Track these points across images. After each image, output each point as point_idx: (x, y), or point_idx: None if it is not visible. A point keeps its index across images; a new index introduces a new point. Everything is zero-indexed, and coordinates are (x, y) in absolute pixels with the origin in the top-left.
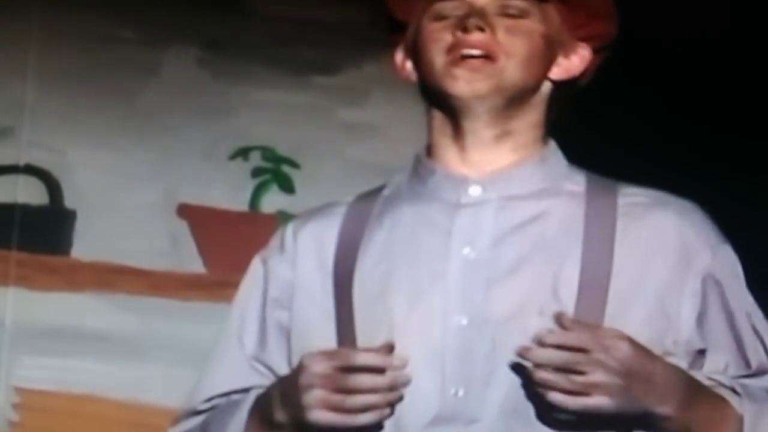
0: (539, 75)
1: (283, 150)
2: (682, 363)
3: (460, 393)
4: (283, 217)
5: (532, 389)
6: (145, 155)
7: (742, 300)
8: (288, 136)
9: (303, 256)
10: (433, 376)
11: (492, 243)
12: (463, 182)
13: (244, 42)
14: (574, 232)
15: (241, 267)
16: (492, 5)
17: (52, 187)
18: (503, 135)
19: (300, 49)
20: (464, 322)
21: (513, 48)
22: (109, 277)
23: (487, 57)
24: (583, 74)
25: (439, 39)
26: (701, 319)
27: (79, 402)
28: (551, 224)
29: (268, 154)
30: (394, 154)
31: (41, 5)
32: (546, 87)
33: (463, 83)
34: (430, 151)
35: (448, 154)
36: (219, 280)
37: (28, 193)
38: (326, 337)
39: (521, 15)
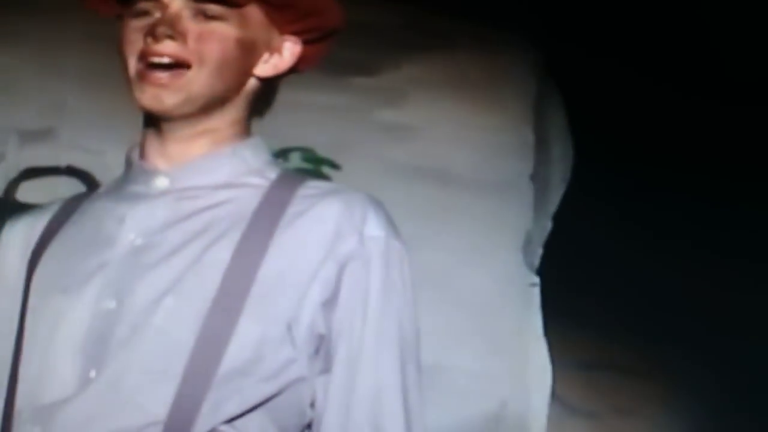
0: (235, 79)
1: (322, 151)
2: (305, 346)
3: (92, 374)
4: None
5: (164, 368)
6: None
7: (384, 292)
8: (327, 137)
9: (6, 252)
10: (73, 359)
11: (158, 230)
12: (152, 174)
13: None
14: (240, 221)
15: None
16: (186, 9)
17: (93, 187)
18: (202, 133)
19: (339, 51)
20: (112, 306)
21: (204, 55)
22: None
23: (178, 65)
24: (299, 65)
25: (133, 41)
26: (329, 304)
27: None
28: (221, 214)
29: (308, 155)
30: (433, 155)
31: (81, 6)
32: (251, 84)
33: (150, 98)
34: (139, 147)
35: (151, 148)
36: None
37: (69, 194)
38: (8, 341)
39: (216, 18)
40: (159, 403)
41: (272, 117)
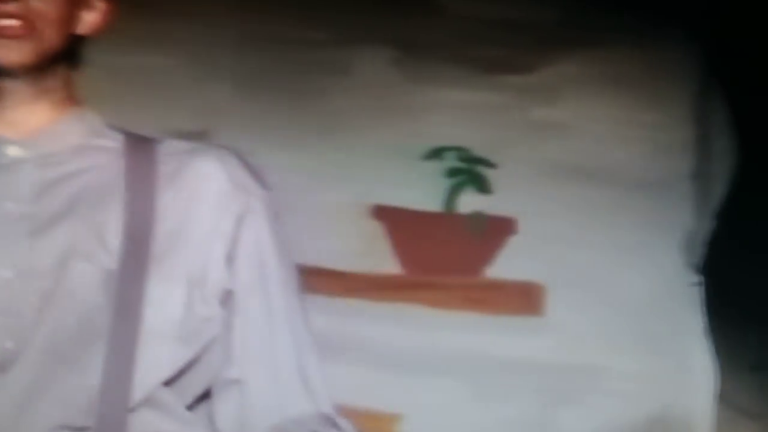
0: (66, 36)
1: (476, 150)
2: (216, 303)
3: (8, 345)
4: (478, 218)
5: (86, 337)
6: (337, 156)
7: (275, 240)
8: (480, 136)
9: None
10: None
11: (33, 197)
12: (3, 143)
13: (436, 41)
14: (116, 182)
15: (437, 268)
16: None
17: None
18: (41, 93)
19: (491, 48)
20: (8, 275)
21: (47, 12)
22: (304, 279)
23: (25, 24)
24: (100, 26)
25: None
26: (231, 258)
27: None
28: (93, 177)
29: (463, 154)
30: (589, 153)
31: (236, 8)
32: (69, 44)
33: (5, 52)
34: None
35: None
36: (415, 282)
37: None
38: None
39: None
40: (90, 369)
41: (427, 116)
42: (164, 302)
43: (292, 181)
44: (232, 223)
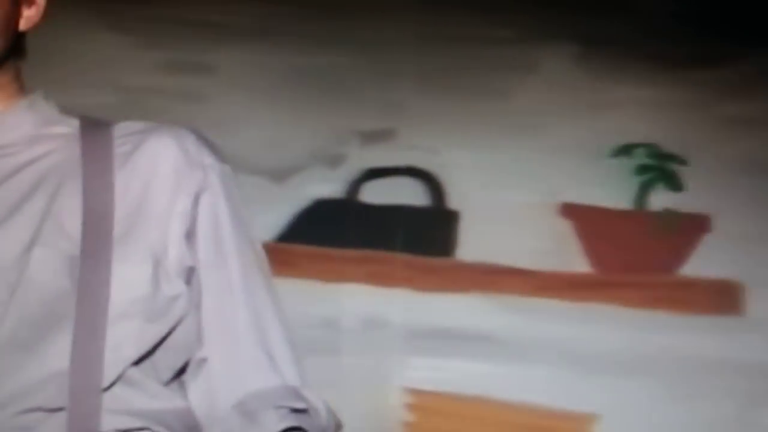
0: (11, 35)
1: (666, 147)
2: (180, 280)
3: None
4: (671, 216)
5: (51, 323)
6: (523, 154)
7: (233, 215)
8: (668, 133)
9: None
10: None
11: None
12: None
13: (621, 37)
14: (72, 167)
15: (629, 267)
16: None
17: (435, 188)
18: None
19: (678, 43)
20: None
21: None
22: (494, 278)
23: None
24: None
25: None
26: (190, 236)
27: (468, 403)
28: (48, 164)
29: (652, 151)
30: None
31: (418, 7)
32: (14, 42)
33: None
34: None
35: None
36: (606, 281)
37: (411, 194)
38: None
39: None
40: (57, 354)
41: (613, 113)
42: (129, 282)
43: (478, 180)
44: (189, 200)
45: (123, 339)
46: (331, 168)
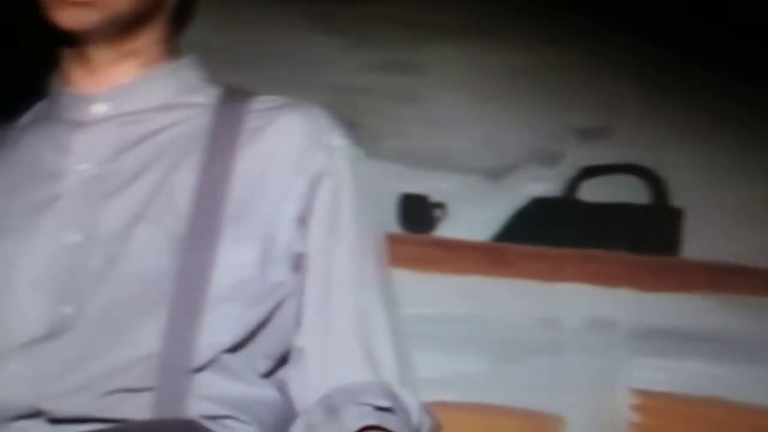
0: None
1: None
2: (285, 265)
3: (69, 310)
4: None
5: (148, 302)
6: (750, 150)
7: (355, 203)
8: None
9: None
10: (40, 296)
11: (111, 158)
12: (88, 100)
13: None
14: (196, 140)
15: None
16: None
17: (656, 185)
18: (127, 54)
19: None
20: (77, 239)
21: None
22: (721, 277)
23: None
24: None
25: None
26: (304, 220)
27: (696, 405)
28: (173, 135)
29: None
30: None
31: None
32: (169, 4)
33: (71, 17)
34: (62, 74)
35: (76, 75)
36: None
37: (631, 192)
38: None
39: None
40: (150, 335)
41: None
42: (235, 265)
43: (700, 176)
44: (307, 182)
45: (220, 323)
46: (548, 166)
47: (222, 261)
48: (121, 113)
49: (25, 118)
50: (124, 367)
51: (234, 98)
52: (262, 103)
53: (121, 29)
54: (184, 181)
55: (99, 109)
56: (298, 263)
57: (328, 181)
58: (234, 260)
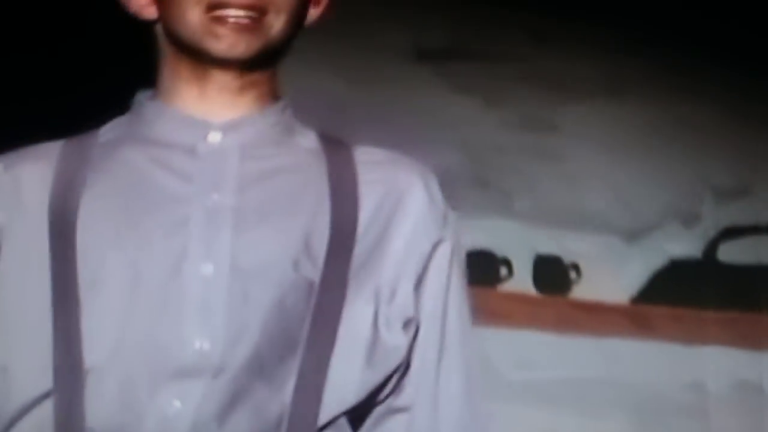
0: (297, 27)
1: None
2: (400, 330)
3: (205, 346)
4: None
5: (283, 349)
6: None
7: (460, 269)
8: None
9: (16, 196)
10: (170, 327)
11: (237, 189)
12: (203, 127)
13: None
14: (320, 186)
15: None
16: None
17: None
18: (249, 85)
19: None
20: (209, 270)
21: (282, 4)
22: None
23: (257, 16)
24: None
25: None
26: (419, 284)
27: None
28: (297, 177)
29: None
30: None
31: None
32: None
33: (227, 45)
34: (158, 92)
35: (184, 97)
36: None
37: None
38: (35, 282)
39: None
40: (285, 383)
41: None
42: (356, 321)
43: None
44: (429, 246)
45: (344, 382)
46: (685, 226)
47: (348, 316)
48: (239, 145)
49: (107, 134)
50: (261, 415)
51: (335, 145)
52: (365, 154)
53: (269, 58)
54: (317, 227)
55: (215, 137)
56: (408, 327)
57: (443, 248)
58: (355, 316)
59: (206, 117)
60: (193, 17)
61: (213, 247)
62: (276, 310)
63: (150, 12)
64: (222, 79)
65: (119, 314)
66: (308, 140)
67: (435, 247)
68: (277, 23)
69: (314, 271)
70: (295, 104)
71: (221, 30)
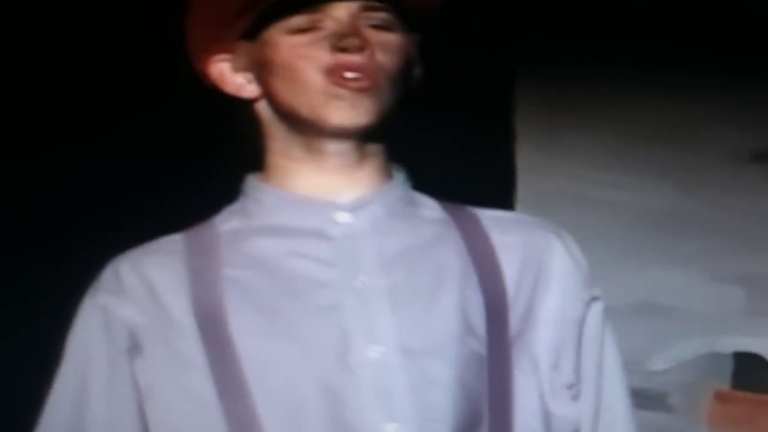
0: (404, 92)
1: None
2: (566, 398)
3: (390, 428)
4: None
5: (470, 427)
6: None
7: (610, 326)
8: None
9: (152, 296)
10: (352, 415)
11: (382, 268)
12: (328, 208)
13: None
14: (460, 256)
15: None
16: (361, 19)
17: None
18: (364, 157)
19: None
20: (377, 353)
21: (389, 66)
22: None
23: (369, 78)
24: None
25: (310, 57)
26: (576, 350)
27: None
28: (436, 250)
29: None
30: None
31: None
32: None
33: (349, 108)
34: (269, 174)
35: (301, 177)
36: None
37: None
38: (196, 379)
39: (389, 28)
40: None
41: None
42: (524, 394)
43: None
44: (580, 308)
45: None
46: None
47: (517, 389)
48: (371, 223)
49: (226, 224)
50: None
51: (460, 212)
52: (492, 218)
53: (381, 126)
54: (471, 301)
55: (344, 218)
56: (573, 392)
57: (595, 307)
58: (525, 389)
59: (328, 197)
60: (313, 83)
61: (376, 330)
62: (459, 388)
63: (250, 91)
64: (340, 152)
65: (292, 404)
66: (433, 210)
67: (586, 307)
68: (388, 85)
69: (480, 345)
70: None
71: (342, 91)
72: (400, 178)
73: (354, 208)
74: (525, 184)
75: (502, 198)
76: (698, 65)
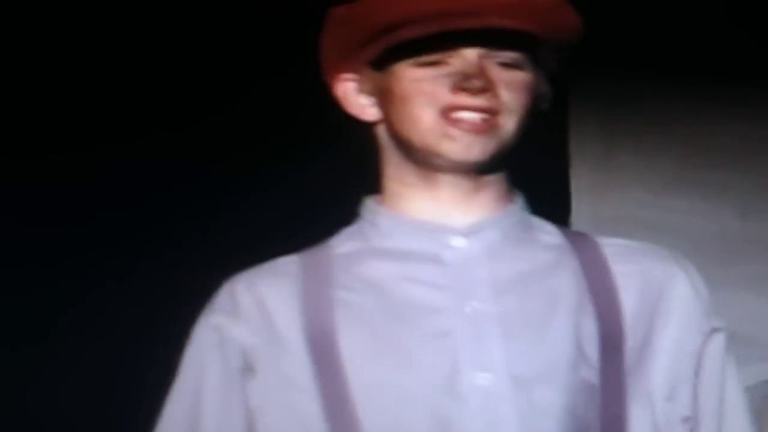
0: (526, 127)
1: None
2: (679, 428)
3: None
4: None
5: None
6: None
7: (732, 360)
8: None
9: (265, 318)
10: None
11: (495, 294)
12: (443, 233)
13: None
14: (576, 283)
15: None
16: (487, 58)
17: None
18: (482, 186)
19: None
20: (486, 380)
21: (513, 105)
22: None
23: (490, 118)
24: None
25: (429, 93)
26: (696, 380)
27: None
28: (551, 276)
29: None
30: None
31: None
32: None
33: (462, 148)
34: (385, 197)
35: (415, 202)
36: None
37: None
38: (305, 400)
39: (516, 66)
40: None
41: None
42: (638, 426)
43: None
44: (700, 340)
45: None
46: None
47: (631, 420)
48: (485, 248)
49: (343, 246)
50: None
51: (580, 238)
52: (613, 245)
53: (501, 159)
54: (585, 329)
55: (459, 242)
56: (688, 425)
57: (717, 338)
58: (639, 420)
59: (443, 221)
60: (428, 119)
61: (485, 357)
62: (569, 417)
63: (371, 114)
64: (454, 183)
65: (398, 429)
66: (551, 236)
67: (707, 339)
68: (509, 124)
69: (592, 374)
70: None
71: (456, 132)
72: (518, 202)
73: (469, 233)
74: (579, 207)
75: (556, 222)
76: (757, 88)
